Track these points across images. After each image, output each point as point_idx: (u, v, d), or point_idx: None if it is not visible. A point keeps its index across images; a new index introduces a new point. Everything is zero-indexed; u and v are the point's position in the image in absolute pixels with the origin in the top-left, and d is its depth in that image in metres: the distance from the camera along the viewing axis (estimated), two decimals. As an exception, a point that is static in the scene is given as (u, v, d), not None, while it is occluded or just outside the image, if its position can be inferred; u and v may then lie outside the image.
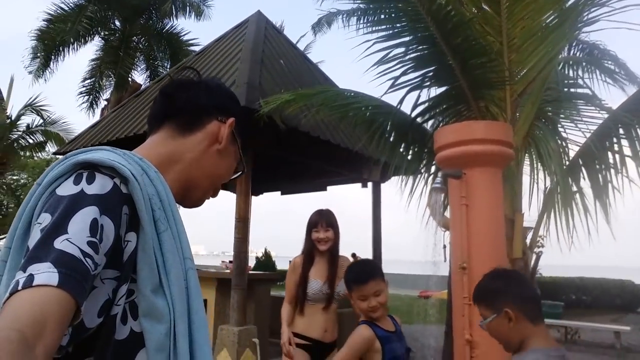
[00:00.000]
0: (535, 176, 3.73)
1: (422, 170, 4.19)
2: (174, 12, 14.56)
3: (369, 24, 4.30)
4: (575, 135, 3.73)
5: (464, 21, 3.21)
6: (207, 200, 1.03)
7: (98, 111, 13.65)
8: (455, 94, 3.55)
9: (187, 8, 14.82)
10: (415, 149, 4.18)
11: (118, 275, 0.73)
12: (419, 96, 3.93)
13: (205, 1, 14.95)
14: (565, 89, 3.79)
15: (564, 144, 3.71)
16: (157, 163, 0.87)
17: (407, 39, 3.64)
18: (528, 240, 3.57)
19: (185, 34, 14.84)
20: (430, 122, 4.09)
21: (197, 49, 14.25)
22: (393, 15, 3.70)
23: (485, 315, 1.64)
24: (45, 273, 0.61)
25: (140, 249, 0.75)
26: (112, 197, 0.72)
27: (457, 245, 2.74)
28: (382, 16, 3.90)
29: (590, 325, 9.62)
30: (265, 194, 9.28)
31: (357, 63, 4.13)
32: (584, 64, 4.44)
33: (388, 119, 4.18)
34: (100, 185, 0.73)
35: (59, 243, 0.64)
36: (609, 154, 3.59)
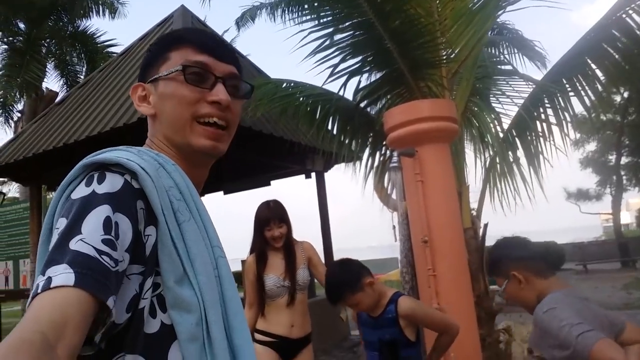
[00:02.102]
0: (476, 150, 3.95)
1: (369, 154, 4.28)
2: (87, 12, 13.66)
3: (302, 13, 4.32)
4: (507, 110, 3.99)
5: (401, 4, 3.30)
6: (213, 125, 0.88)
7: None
8: (396, 76, 3.66)
9: (100, 7, 13.98)
10: (362, 134, 4.26)
11: (143, 270, 0.73)
12: (359, 81, 4.01)
13: (119, -2, 14.16)
14: (496, 66, 4.03)
15: (498, 117, 3.96)
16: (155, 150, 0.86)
17: (344, 25, 3.68)
18: (474, 211, 3.79)
19: (101, 35, 14.00)
20: (374, 106, 4.19)
21: (117, 49, 13.53)
22: (327, 1, 3.73)
23: (501, 284, 1.75)
24: (62, 274, 0.61)
25: (159, 241, 0.75)
26: (123, 194, 0.72)
27: (416, 221, 2.86)
28: (315, 4, 3.93)
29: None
30: (207, 196, 9.05)
31: (291, 54, 4.13)
32: (505, 43, 4.75)
33: (332, 106, 4.22)
34: (111, 183, 0.73)
35: (74, 244, 0.65)
36: (537, 123, 3.88)
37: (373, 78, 4.08)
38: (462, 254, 2.87)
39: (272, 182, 8.69)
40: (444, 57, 3.54)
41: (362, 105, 4.09)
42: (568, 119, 3.72)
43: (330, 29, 3.68)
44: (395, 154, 2.77)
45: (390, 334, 2.11)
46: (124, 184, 0.73)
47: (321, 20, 3.73)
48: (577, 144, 19.33)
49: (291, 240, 3.12)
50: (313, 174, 7.81)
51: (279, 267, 2.97)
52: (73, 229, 0.66)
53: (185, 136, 0.87)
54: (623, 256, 15.70)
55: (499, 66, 4.35)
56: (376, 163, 4.41)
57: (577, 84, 3.83)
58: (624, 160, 18.72)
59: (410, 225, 2.92)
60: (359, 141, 4.42)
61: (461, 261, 2.84)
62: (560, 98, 3.83)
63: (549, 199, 4.06)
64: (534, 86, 3.85)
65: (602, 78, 3.79)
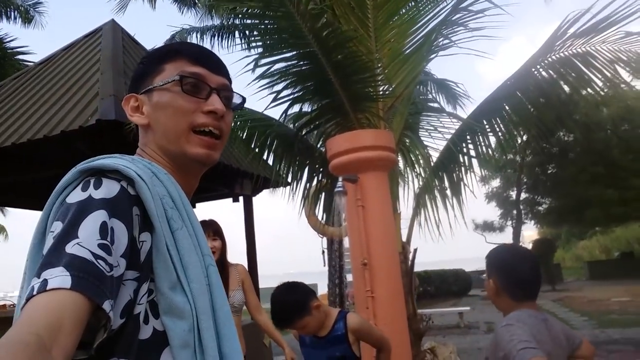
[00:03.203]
0: (407, 179, 4.22)
1: (307, 179, 4.39)
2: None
3: (247, 40, 4.39)
4: (435, 144, 4.34)
5: (344, 40, 3.51)
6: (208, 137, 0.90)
7: None
8: (336, 106, 3.84)
9: (13, 12, 12.98)
10: (300, 160, 4.36)
11: (138, 276, 0.74)
12: (300, 109, 4.14)
13: (36, 6, 13.27)
14: (426, 104, 4.38)
15: (426, 151, 4.28)
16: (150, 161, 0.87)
17: (288, 54, 3.82)
18: (404, 237, 4.02)
19: (10, 40, 12.94)
20: (312, 134, 4.33)
21: (32, 57, 12.57)
22: (272, 31, 3.85)
23: (488, 278, 1.82)
24: (59, 277, 0.62)
25: (154, 248, 0.76)
26: (120, 200, 0.73)
27: (356, 244, 2.98)
28: (260, 34, 4.03)
29: (439, 310, 11.00)
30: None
31: (233, 79, 4.17)
32: (432, 83, 5.19)
33: (272, 132, 4.30)
34: (107, 189, 0.74)
35: (70, 247, 0.65)
36: (460, 156, 4.27)
37: (313, 107, 4.24)
38: (398, 276, 3.04)
39: (198, 205, 8.46)
40: (381, 92, 3.79)
41: (301, 132, 4.21)
42: (486, 152, 4.14)
43: (275, 57, 3.79)
44: (340, 179, 2.89)
45: (341, 351, 2.17)
46: (120, 190, 0.74)
47: (266, 48, 3.83)
48: (483, 180, 21.10)
49: (225, 258, 3.11)
50: (241, 198, 7.74)
51: None
52: (69, 232, 0.67)
53: (181, 145, 0.88)
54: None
55: (429, 104, 4.72)
56: (312, 189, 4.53)
57: (495, 125, 4.30)
58: (522, 195, 20.73)
59: (350, 248, 3.04)
60: (296, 167, 4.52)
61: (397, 283, 3.00)
62: (480, 136, 4.27)
63: (460, 230, 4.43)
64: (459, 123, 4.23)
65: (514, 119, 4.29)
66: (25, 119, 5.18)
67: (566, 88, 4.20)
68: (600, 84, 3.98)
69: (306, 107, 4.36)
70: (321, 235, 6.17)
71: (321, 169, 4.29)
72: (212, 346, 0.77)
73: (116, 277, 0.69)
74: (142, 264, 0.74)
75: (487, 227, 24.21)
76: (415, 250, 3.93)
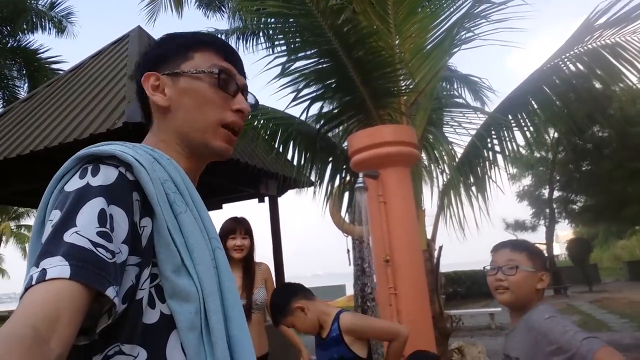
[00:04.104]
0: (432, 176, 4.15)
1: (329, 178, 4.37)
2: (30, 27, 13.12)
3: (270, 41, 4.41)
4: (460, 140, 4.26)
5: (365, 36, 3.48)
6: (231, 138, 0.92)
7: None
8: (358, 103, 3.81)
9: (48, 23, 13.48)
10: (322, 158, 4.35)
11: (139, 261, 0.74)
12: (321, 107, 4.13)
13: (68, 17, 13.74)
14: (449, 100, 4.30)
15: (451, 147, 4.20)
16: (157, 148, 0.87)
17: (309, 52, 3.82)
18: (429, 235, 3.95)
19: (45, 51, 13.45)
20: (334, 131, 4.31)
21: (63, 66, 13.02)
22: (294, 30, 3.86)
23: (521, 264, 1.66)
24: (57, 267, 0.62)
25: (155, 232, 0.75)
26: (118, 186, 0.73)
27: (378, 240, 2.94)
28: (279, 33, 4.05)
29: (469, 311, 10.77)
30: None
31: (255, 78, 4.21)
32: (456, 80, 5.09)
33: (293, 130, 4.30)
34: (105, 176, 0.73)
35: (69, 236, 0.65)
36: (485, 151, 4.17)
37: (334, 105, 4.23)
38: (421, 274, 2.98)
39: (224, 206, 8.56)
40: (403, 88, 3.73)
41: (323, 130, 4.20)
42: (512, 148, 4.03)
43: (296, 55, 3.80)
44: (360, 175, 2.87)
45: (338, 352, 2.11)
46: (118, 176, 0.73)
47: (288, 47, 3.84)
48: (513, 178, 20.58)
49: (252, 257, 3.13)
50: (266, 198, 7.78)
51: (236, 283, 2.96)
52: (67, 221, 0.67)
53: (206, 137, 0.89)
54: (556, 284, 16.65)
55: (454, 99, 4.64)
56: (335, 187, 4.51)
57: (521, 120, 4.18)
58: (555, 194, 20.11)
59: (373, 245, 3.00)
60: (319, 165, 4.51)
61: (421, 280, 2.94)
62: (505, 131, 4.16)
63: (490, 230, 4.32)
64: (484, 118, 4.14)
65: (541, 116, 4.16)
66: (57, 123, 5.36)
67: (597, 85, 4.06)
68: (632, 77, 3.83)
69: (328, 107, 4.35)
70: (346, 235, 6.14)
71: (344, 167, 4.27)
72: (219, 328, 0.77)
73: (119, 263, 0.69)
74: (144, 249, 0.74)
75: (518, 226, 23.60)
76: (441, 247, 3.86)
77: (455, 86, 5.17)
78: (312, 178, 4.47)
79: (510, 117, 4.02)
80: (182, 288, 0.75)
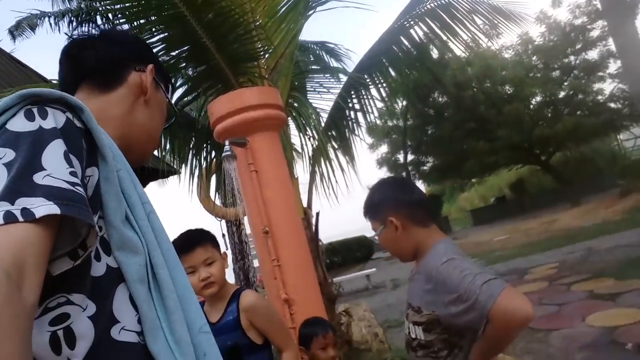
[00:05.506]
0: (301, 142, 4.08)
1: (193, 156, 4.03)
2: None
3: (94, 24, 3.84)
4: (324, 105, 4.25)
5: (213, -4, 3.18)
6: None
7: None
8: (215, 71, 3.52)
9: None
10: (183, 136, 3.98)
11: None
12: (176, 80, 3.74)
13: None
14: (309, 66, 4.25)
15: (316, 112, 4.17)
16: None
17: (152, 18, 3.40)
18: (305, 203, 3.89)
19: None
20: (193, 105, 3.96)
21: None
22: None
23: (375, 228, 1.54)
24: (44, 206, 0.60)
25: (103, 180, 0.73)
26: (69, 131, 0.70)
27: (254, 212, 2.75)
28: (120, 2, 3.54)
29: (348, 277, 11.31)
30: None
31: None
32: (315, 46, 5.09)
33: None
34: (55, 119, 0.70)
35: (41, 179, 0.63)
36: (347, 111, 4.25)
37: (190, 75, 3.86)
38: (303, 242, 2.88)
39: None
40: (260, 50, 3.54)
41: (180, 104, 3.82)
42: (371, 105, 4.18)
43: (138, 22, 3.35)
44: (226, 142, 2.62)
45: (232, 339, 1.71)
46: (66, 121, 0.71)
47: (125, 14, 3.37)
48: (372, 147, 22.02)
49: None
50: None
51: None
52: (32, 164, 0.63)
53: (148, 144, 0.98)
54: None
55: (313, 67, 4.62)
56: (202, 168, 4.19)
57: (375, 79, 4.35)
58: (409, 158, 22.05)
59: (249, 217, 2.80)
60: (179, 147, 4.13)
61: (303, 250, 2.84)
62: (363, 90, 4.29)
63: (359, 197, 4.45)
64: (345, 80, 4.18)
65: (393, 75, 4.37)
66: None
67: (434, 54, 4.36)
68: (464, 36, 4.18)
69: (183, 80, 3.96)
70: (219, 218, 5.84)
71: (208, 142, 3.96)
72: (168, 280, 0.77)
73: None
74: (90, 200, 0.70)
75: (381, 192, 25.37)
76: (318, 214, 3.82)
77: (318, 53, 5.18)
78: (173, 164, 4.08)
79: (366, 76, 4.12)
80: (130, 239, 0.74)
